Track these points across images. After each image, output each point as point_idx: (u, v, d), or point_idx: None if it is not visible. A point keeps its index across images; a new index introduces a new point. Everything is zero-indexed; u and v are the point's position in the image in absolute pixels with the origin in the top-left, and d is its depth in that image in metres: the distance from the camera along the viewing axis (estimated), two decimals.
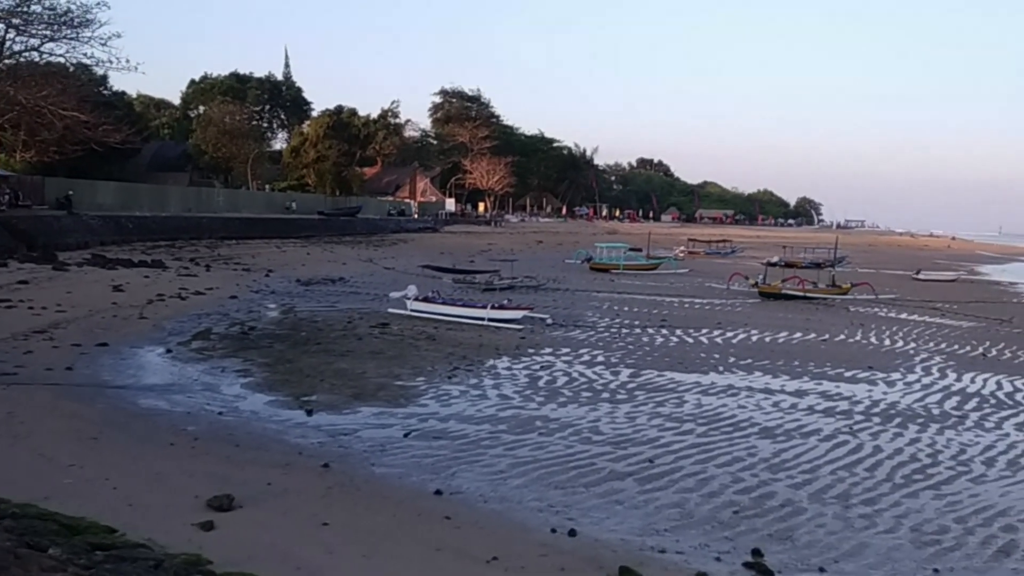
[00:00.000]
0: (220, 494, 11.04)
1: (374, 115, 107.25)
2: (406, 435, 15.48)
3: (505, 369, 22.36)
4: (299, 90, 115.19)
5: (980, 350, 29.43)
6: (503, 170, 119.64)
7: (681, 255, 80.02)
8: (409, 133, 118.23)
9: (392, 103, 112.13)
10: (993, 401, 20.98)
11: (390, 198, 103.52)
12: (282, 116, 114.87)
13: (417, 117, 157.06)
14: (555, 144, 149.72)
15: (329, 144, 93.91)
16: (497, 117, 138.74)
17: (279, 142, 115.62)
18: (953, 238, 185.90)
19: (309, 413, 16.81)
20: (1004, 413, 19.68)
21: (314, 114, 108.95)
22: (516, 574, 9.48)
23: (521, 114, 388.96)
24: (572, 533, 11.07)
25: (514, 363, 23.20)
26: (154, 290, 31.89)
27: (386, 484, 12.74)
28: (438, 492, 12.47)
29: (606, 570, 9.70)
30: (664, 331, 30.54)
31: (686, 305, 39.89)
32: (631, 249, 67.78)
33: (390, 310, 31.32)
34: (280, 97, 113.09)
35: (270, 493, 11.70)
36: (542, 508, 12.07)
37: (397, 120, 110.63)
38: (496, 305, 31.26)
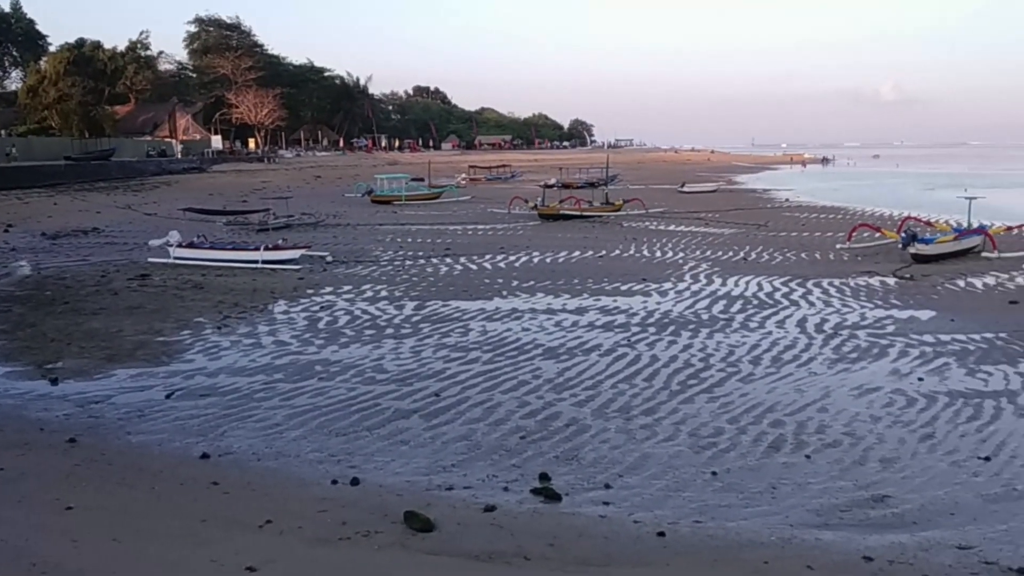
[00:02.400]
0: None
1: (121, 48, 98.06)
2: (168, 396, 14.09)
3: (282, 313, 21.10)
4: (31, 23, 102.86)
5: (741, 255, 31.33)
6: (272, 103, 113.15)
7: (463, 182, 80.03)
8: (164, 66, 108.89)
9: (141, 33, 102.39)
10: (755, 302, 22.25)
11: (148, 138, 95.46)
12: (14, 53, 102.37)
13: (171, 49, 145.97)
14: (326, 73, 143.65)
15: (72, 81, 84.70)
16: (261, 47, 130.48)
17: (14, 82, 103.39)
18: (712, 151, 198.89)
19: (54, 382, 14.93)
20: (765, 312, 20.91)
21: (52, 49, 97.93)
22: (292, 536, 8.69)
23: (287, 43, 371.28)
24: (355, 482, 10.40)
25: (292, 306, 21.95)
26: None
27: (144, 453, 11.45)
28: (204, 456, 11.36)
29: (391, 517, 9.13)
30: (448, 260, 30.18)
31: (469, 232, 39.75)
32: (413, 179, 66.91)
33: (151, 260, 28.83)
34: (10, 32, 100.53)
35: (3, 480, 10.14)
36: (322, 459, 11.29)
37: (148, 52, 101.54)
38: (270, 246, 29.53)
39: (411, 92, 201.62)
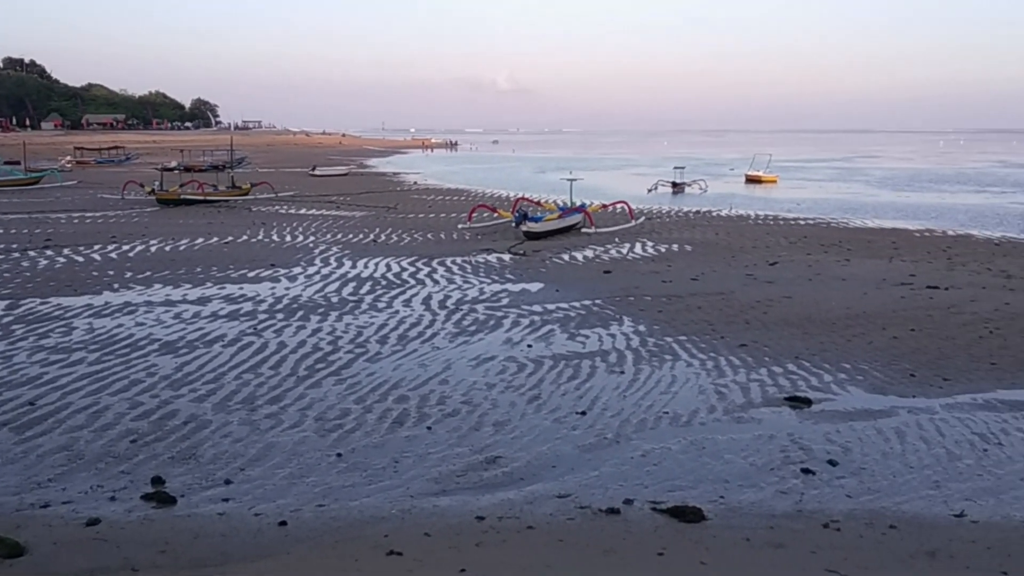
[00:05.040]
0: None
1: None
2: None
3: None
4: None
5: (372, 237, 31.84)
6: None
7: (68, 166, 72.46)
8: None
9: None
10: (384, 283, 22.71)
11: None
12: None
13: None
14: None
15: None
16: None
17: None
18: (344, 135, 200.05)
19: None
20: (393, 292, 21.43)
21: None
22: None
23: None
24: None
25: None
26: None
27: None
28: None
29: None
30: (49, 252, 27.07)
31: (75, 220, 35.99)
32: (5, 163, 59.31)
33: None
34: None
35: None
36: None
37: None
38: None
39: (0, 65, 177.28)
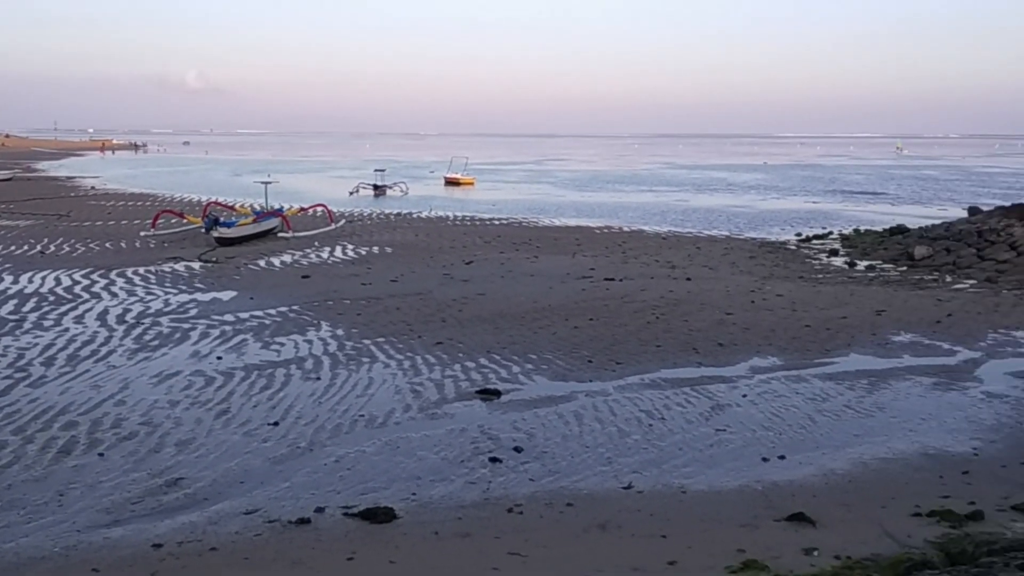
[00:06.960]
0: None
1: None
2: None
3: None
4: None
5: (39, 248, 28.81)
6: None
7: None
8: None
9: None
10: (52, 298, 20.58)
11: None
12: None
13: None
14: None
15: None
16: None
17: None
18: (8, 135, 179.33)
19: None
20: (63, 309, 19.48)
21: None
22: None
23: None
24: None
25: None
26: None
27: None
28: None
29: None
30: None
31: None
32: None
33: None
34: None
35: None
36: None
37: None
38: None
39: None
